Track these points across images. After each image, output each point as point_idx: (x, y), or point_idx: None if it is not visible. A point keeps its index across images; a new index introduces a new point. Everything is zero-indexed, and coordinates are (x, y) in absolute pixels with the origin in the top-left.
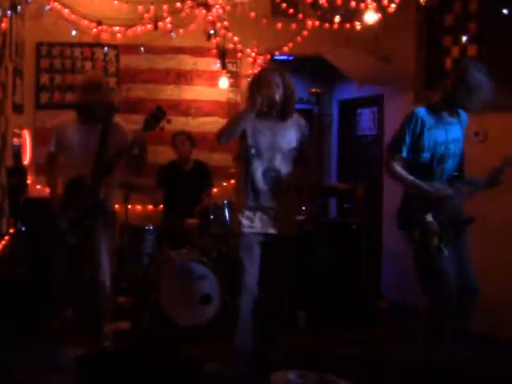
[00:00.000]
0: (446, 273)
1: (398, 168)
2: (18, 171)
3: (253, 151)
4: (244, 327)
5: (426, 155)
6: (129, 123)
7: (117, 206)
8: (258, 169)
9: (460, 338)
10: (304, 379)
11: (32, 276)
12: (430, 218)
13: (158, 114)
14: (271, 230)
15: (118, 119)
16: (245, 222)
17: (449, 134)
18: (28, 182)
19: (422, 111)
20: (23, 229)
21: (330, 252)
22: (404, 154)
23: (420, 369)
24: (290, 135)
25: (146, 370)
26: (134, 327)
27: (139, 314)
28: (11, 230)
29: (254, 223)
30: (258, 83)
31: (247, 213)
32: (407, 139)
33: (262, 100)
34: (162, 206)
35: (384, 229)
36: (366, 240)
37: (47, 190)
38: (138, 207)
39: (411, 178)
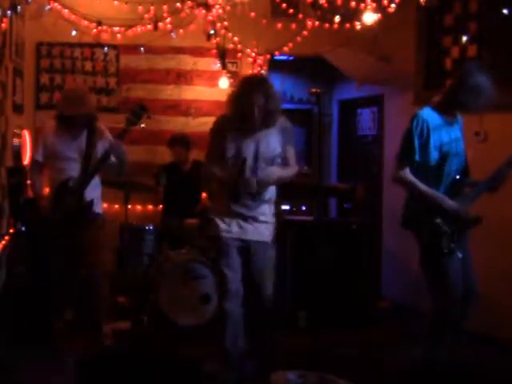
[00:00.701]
0: (454, 274)
1: (411, 177)
2: (18, 171)
3: (234, 161)
4: (232, 331)
5: (434, 156)
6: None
7: (117, 206)
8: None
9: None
10: (304, 379)
11: (32, 276)
12: (439, 219)
13: (138, 111)
14: (249, 237)
15: (99, 124)
16: (222, 225)
17: (452, 134)
18: (28, 181)
19: (426, 113)
20: (23, 229)
21: (330, 252)
22: (417, 157)
23: (420, 369)
24: (273, 142)
25: (145, 369)
26: (133, 327)
27: (139, 314)
28: (11, 230)
29: (231, 227)
30: (240, 100)
31: (225, 218)
32: (416, 143)
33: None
34: (161, 206)
35: (384, 229)
36: (366, 240)
37: (46, 190)
38: (138, 207)
39: (428, 189)
